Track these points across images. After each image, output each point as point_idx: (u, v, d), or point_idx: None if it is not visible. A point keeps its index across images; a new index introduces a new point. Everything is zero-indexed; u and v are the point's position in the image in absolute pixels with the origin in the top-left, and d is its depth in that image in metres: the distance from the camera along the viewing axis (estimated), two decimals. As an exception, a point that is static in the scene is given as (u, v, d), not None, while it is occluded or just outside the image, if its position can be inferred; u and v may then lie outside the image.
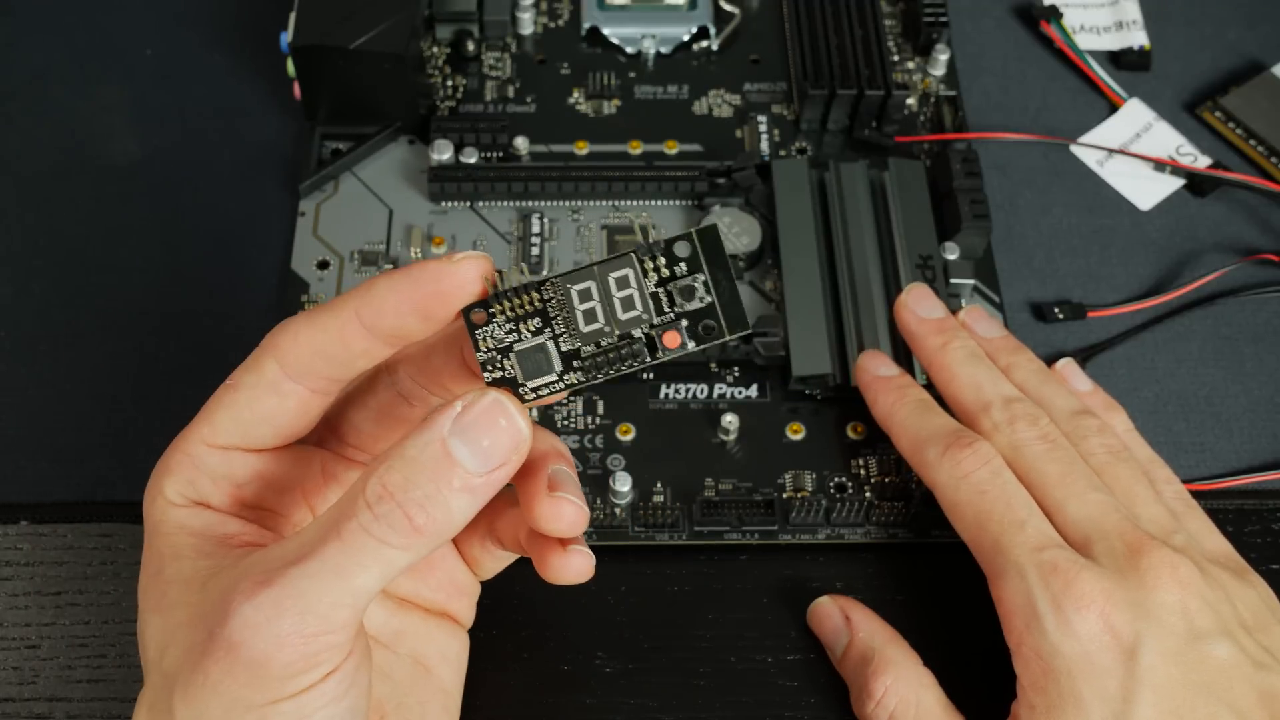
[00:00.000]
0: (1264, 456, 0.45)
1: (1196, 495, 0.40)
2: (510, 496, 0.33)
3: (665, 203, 0.49)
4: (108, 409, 0.44)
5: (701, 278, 0.28)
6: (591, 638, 0.40)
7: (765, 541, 0.41)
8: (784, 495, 0.42)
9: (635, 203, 0.49)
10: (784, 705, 0.39)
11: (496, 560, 0.36)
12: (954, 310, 0.43)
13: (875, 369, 0.42)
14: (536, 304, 0.28)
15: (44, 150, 0.50)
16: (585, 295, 0.28)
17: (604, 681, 0.39)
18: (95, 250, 0.48)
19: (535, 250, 0.47)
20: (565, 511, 0.30)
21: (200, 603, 0.28)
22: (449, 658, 0.36)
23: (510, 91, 0.52)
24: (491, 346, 0.29)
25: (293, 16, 0.47)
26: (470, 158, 0.49)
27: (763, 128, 0.51)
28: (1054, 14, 0.54)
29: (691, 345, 0.28)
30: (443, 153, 0.48)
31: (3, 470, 0.43)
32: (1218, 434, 0.45)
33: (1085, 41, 0.55)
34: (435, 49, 0.53)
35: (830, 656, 0.39)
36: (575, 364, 0.29)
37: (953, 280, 0.46)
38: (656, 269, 0.28)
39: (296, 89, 0.49)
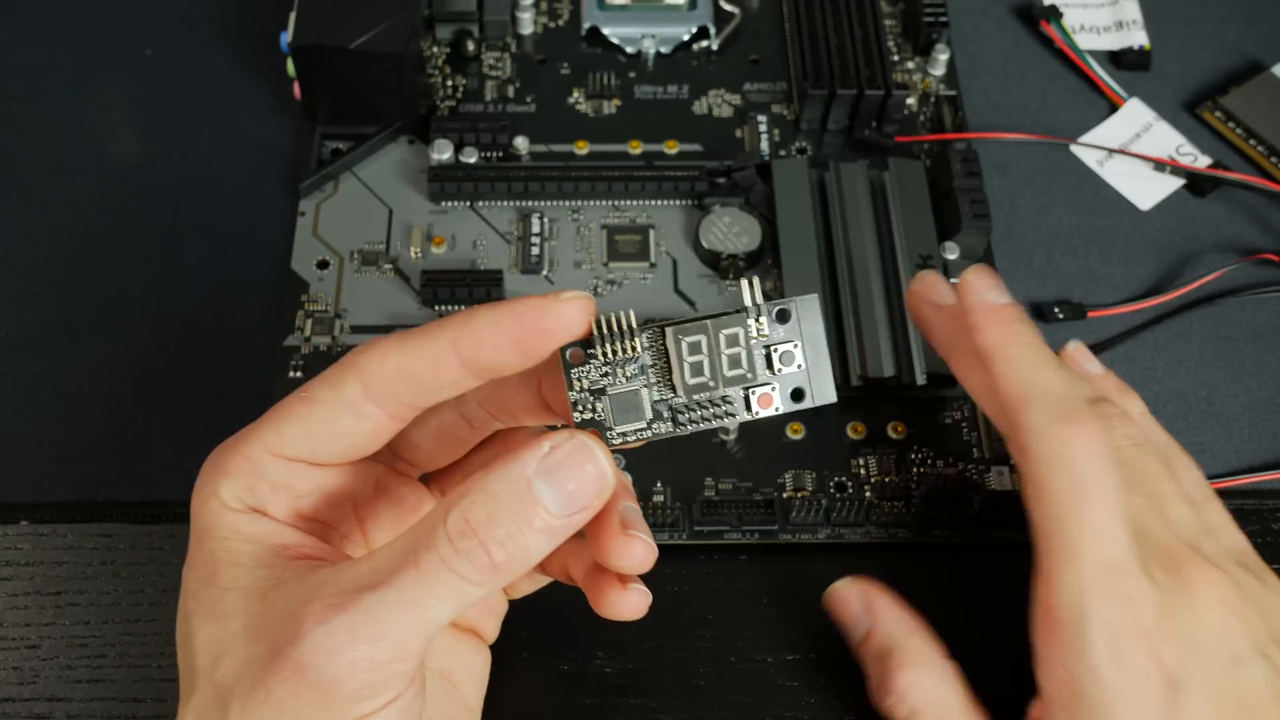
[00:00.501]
0: (1264, 456, 0.45)
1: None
2: None
3: (665, 202, 0.49)
4: (108, 409, 0.44)
5: (799, 344, 0.29)
6: (591, 638, 0.40)
7: (765, 541, 0.41)
8: (784, 495, 0.42)
9: (635, 202, 0.49)
10: (784, 705, 0.39)
11: (532, 583, 0.36)
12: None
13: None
14: (637, 350, 0.29)
15: (44, 150, 0.50)
16: (695, 348, 0.29)
17: (604, 681, 0.39)
18: (95, 250, 0.48)
19: (535, 250, 0.47)
20: (637, 550, 0.30)
21: (261, 615, 0.28)
22: (473, 674, 0.36)
23: (510, 91, 0.52)
24: (585, 387, 0.29)
25: (293, 16, 0.47)
26: (470, 158, 0.49)
27: (763, 128, 0.51)
28: (1054, 14, 0.54)
29: (783, 409, 0.29)
30: (443, 152, 0.48)
31: (3, 470, 0.43)
32: (1218, 434, 0.45)
33: (1085, 41, 0.55)
34: (435, 49, 0.53)
35: (847, 640, 0.38)
36: (664, 414, 0.29)
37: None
38: (759, 330, 0.29)
39: (296, 89, 0.49)
